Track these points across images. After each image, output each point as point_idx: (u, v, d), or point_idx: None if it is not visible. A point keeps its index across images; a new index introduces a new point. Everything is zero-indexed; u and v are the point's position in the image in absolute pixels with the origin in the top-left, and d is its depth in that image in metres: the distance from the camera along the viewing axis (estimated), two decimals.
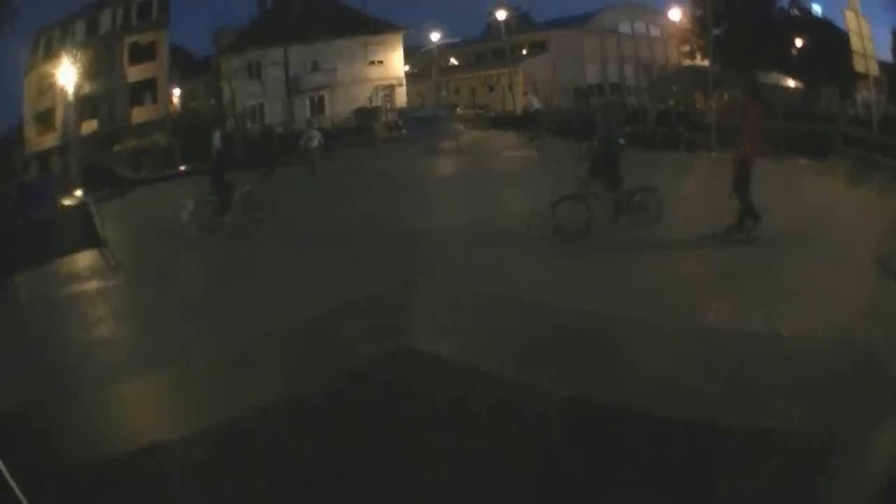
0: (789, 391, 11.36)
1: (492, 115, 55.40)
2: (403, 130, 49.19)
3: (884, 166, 25.08)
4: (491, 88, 58.83)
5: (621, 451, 9.96)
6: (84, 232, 23.86)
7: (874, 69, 35.87)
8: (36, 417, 12.62)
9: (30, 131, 43.23)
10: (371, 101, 53.59)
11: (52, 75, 42.47)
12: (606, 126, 23.64)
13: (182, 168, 43.04)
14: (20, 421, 12.51)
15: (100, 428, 12.45)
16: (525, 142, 45.39)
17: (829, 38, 45.08)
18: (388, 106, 54.17)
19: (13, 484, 7.05)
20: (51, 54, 42.82)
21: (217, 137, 37.01)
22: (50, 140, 43.55)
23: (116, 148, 45.87)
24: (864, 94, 41.29)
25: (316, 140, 36.27)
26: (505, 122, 52.74)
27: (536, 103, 50.26)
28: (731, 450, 9.92)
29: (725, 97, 24.56)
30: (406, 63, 56.26)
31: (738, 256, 18.79)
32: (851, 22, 35.02)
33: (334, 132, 47.70)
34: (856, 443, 9.85)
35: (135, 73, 47.47)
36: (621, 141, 22.69)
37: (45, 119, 43.50)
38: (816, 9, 53.15)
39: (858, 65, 35.43)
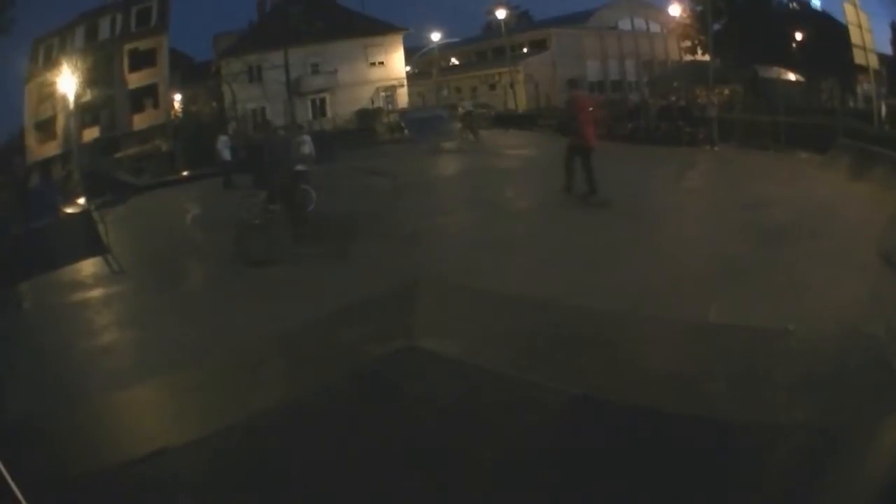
0: (793, 386, 11.40)
1: (493, 113, 55.47)
2: (405, 131, 49.26)
3: (885, 159, 25.06)
4: (492, 87, 58.77)
5: (628, 449, 10.01)
6: (87, 239, 23.87)
7: (874, 62, 35.98)
8: (40, 425, 12.66)
9: (31, 140, 43.16)
10: (373, 102, 53.51)
11: (52, 83, 42.40)
12: (279, 152, 24.25)
13: (185, 173, 43.08)
14: (25, 429, 12.55)
15: (104, 435, 12.49)
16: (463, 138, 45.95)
17: (829, 31, 45.10)
18: (390, 107, 54.12)
19: (16, 490, 7.09)
20: (50, 62, 42.75)
21: (223, 141, 36.82)
22: (51, 148, 43.49)
23: (118, 154, 45.88)
24: (865, 86, 41.36)
25: (307, 145, 32.58)
26: (507, 120, 52.82)
27: (468, 105, 53.16)
28: (735, 446, 9.95)
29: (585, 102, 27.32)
30: (406, 64, 56.12)
31: (738, 252, 18.85)
32: (851, 14, 35.21)
33: (336, 133, 47.98)
34: (860, 438, 9.88)
35: (135, 80, 47.42)
36: (301, 167, 23.07)
37: (46, 127, 43.43)
38: (815, 2, 53.13)
39: (858, 58, 35.54)
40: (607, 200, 25.31)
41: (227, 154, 36.85)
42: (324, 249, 22.62)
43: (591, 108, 27.98)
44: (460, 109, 52.09)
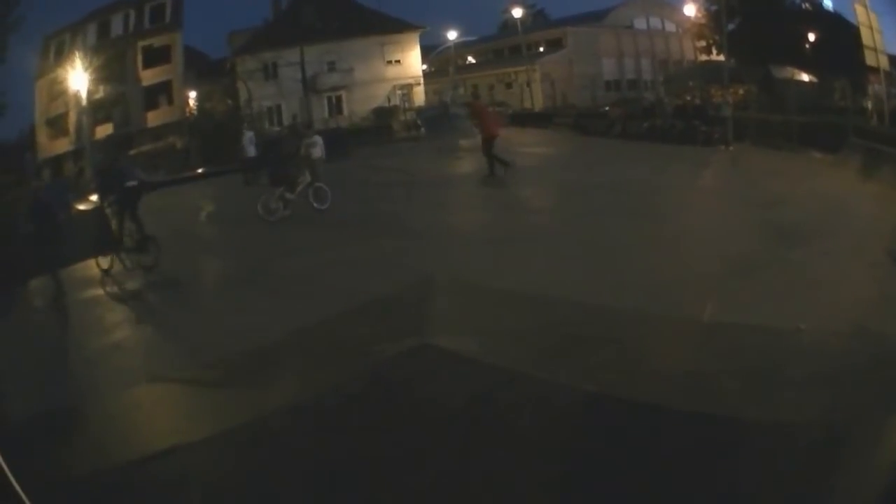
0: (803, 384, 11.42)
1: (510, 112, 55.36)
2: (422, 129, 49.21)
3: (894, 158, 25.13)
4: (508, 86, 58.45)
5: (640, 445, 10.02)
6: (100, 235, 23.95)
7: (884, 63, 36.04)
8: (50, 423, 12.69)
9: (42, 136, 43.01)
10: (389, 100, 53.39)
11: (63, 80, 42.21)
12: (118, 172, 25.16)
13: (200, 170, 43.04)
14: (35, 426, 12.58)
15: (116, 432, 12.52)
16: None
17: (841, 31, 45.02)
18: (406, 105, 53.99)
19: (18, 489, 7.10)
20: (62, 59, 42.58)
21: (248, 137, 36.79)
22: (63, 145, 43.30)
23: (132, 151, 45.77)
24: (876, 87, 41.35)
25: (318, 147, 32.20)
26: (523, 118, 52.81)
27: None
28: (747, 442, 9.96)
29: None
30: (423, 62, 55.95)
31: (750, 250, 18.88)
32: (861, 15, 35.28)
33: (352, 131, 48.09)
34: (871, 435, 9.88)
35: (149, 76, 47.21)
36: (131, 183, 24.26)
37: (57, 124, 43.28)
38: (827, 3, 53.00)
39: (869, 58, 35.65)
40: (503, 180, 31.73)
41: (251, 150, 36.81)
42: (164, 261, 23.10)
43: (487, 112, 37.04)
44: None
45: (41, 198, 23.61)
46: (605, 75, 58.67)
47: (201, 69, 52.50)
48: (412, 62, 54.82)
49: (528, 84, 56.44)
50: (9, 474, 7.28)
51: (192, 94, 52.30)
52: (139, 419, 13.31)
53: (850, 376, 11.64)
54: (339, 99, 52.64)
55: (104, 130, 45.87)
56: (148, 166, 43.87)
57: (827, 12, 52.67)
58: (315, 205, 28.64)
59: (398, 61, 54.33)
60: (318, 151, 31.91)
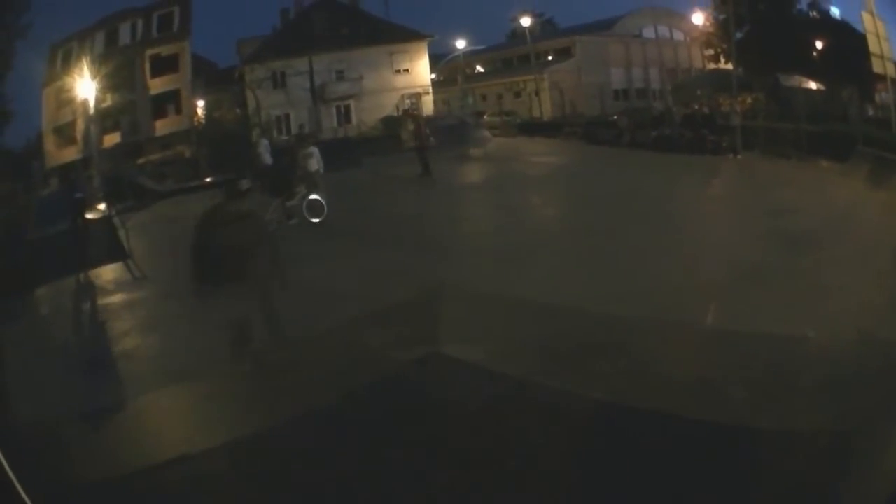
0: (812, 391, 11.40)
1: (519, 121, 55.40)
2: (430, 138, 49.19)
3: None
4: (517, 94, 58.42)
5: (649, 453, 10.01)
6: (108, 244, 23.95)
7: (891, 70, 36.10)
8: (58, 430, 12.68)
9: (49, 144, 43.06)
10: (398, 109, 53.36)
11: (71, 88, 42.23)
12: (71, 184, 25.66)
13: (208, 179, 43.02)
14: (42, 434, 12.57)
15: (124, 440, 12.52)
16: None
17: (849, 39, 45.07)
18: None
19: (21, 491, 7.08)
20: (69, 67, 42.59)
21: (263, 145, 36.83)
22: (71, 153, 43.31)
23: (140, 160, 45.84)
24: (884, 95, 41.41)
25: (314, 159, 30.12)
26: (532, 127, 52.87)
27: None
28: (755, 450, 9.94)
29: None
30: (431, 71, 55.90)
31: (759, 258, 18.90)
32: (869, 24, 35.34)
33: (361, 140, 48.17)
34: (878, 442, 9.86)
35: (157, 85, 47.22)
36: (79, 195, 24.52)
37: (65, 132, 43.31)
38: (835, 11, 53.02)
39: (876, 66, 35.72)
40: (435, 181, 35.57)
41: (267, 158, 36.80)
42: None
43: (419, 125, 41.53)
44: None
45: (50, 205, 23.78)
46: (614, 84, 58.76)
47: (210, 78, 52.53)
48: (421, 71, 54.79)
49: (537, 93, 56.48)
50: (12, 477, 7.27)
51: (201, 103, 52.34)
52: (147, 426, 13.33)
53: (858, 384, 11.64)
54: (347, 108, 52.65)
55: (112, 139, 45.93)
56: (156, 175, 44.05)
57: (834, 20, 52.73)
58: (309, 218, 28.62)
59: (407, 70, 54.29)
60: (314, 164, 30.24)
